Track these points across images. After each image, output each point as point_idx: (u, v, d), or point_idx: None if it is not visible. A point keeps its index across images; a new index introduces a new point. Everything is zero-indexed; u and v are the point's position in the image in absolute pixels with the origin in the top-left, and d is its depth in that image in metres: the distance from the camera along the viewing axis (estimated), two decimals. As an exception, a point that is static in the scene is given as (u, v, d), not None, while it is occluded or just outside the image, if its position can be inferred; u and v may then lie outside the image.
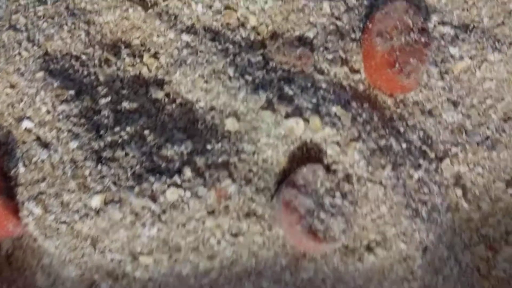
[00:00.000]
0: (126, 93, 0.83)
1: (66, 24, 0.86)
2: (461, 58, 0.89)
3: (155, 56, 0.86)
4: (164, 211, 0.74)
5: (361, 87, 0.84)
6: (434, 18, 0.91)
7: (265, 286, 0.76)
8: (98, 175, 0.76)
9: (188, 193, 0.74)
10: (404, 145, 0.81)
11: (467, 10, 0.93)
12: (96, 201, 0.74)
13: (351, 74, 0.83)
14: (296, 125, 0.76)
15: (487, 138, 0.87)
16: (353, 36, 0.85)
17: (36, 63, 0.84)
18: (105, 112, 0.80)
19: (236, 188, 0.75)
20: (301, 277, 0.76)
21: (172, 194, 0.74)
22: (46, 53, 0.85)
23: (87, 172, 0.76)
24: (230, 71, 0.81)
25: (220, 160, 0.76)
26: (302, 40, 0.84)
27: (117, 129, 0.79)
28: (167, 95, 0.83)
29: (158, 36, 0.86)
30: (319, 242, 0.71)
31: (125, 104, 0.81)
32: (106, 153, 0.77)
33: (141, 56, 0.86)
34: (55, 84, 0.81)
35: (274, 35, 0.85)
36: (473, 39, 0.90)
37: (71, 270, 0.77)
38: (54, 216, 0.75)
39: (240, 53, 0.83)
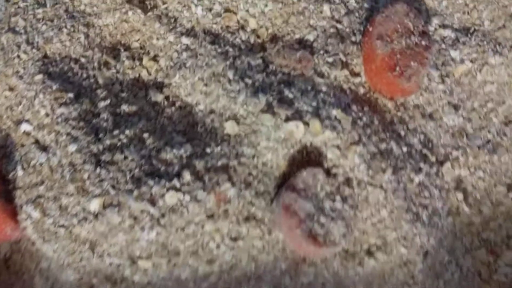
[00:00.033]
0: (125, 96, 0.83)
1: (65, 26, 0.86)
2: (462, 61, 0.89)
3: (155, 59, 0.85)
4: (163, 215, 0.74)
5: (361, 91, 0.83)
6: (435, 21, 0.91)
7: (264, 291, 0.76)
8: (96, 179, 0.75)
9: (187, 197, 0.74)
10: (404, 149, 0.81)
11: (468, 13, 0.93)
12: (94, 205, 0.74)
13: (351, 77, 0.83)
14: (296, 129, 0.76)
15: (488, 141, 0.87)
16: (353, 39, 0.85)
17: (35, 65, 0.83)
18: (104, 115, 0.80)
19: (236, 192, 0.75)
20: (301, 281, 0.76)
21: (171, 198, 0.74)
22: (45, 56, 0.85)
23: (85, 176, 0.76)
24: (230, 74, 0.81)
25: (219, 163, 0.76)
26: (302, 43, 0.84)
27: (116, 132, 0.79)
28: (167, 98, 0.83)
29: (157, 39, 0.86)
30: (319, 246, 0.71)
31: (124, 107, 0.81)
32: (105, 157, 0.77)
33: (140, 59, 0.86)
34: (54, 87, 0.81)
35: (274, 38, 0.85)
36: (474, 42, 0.90)
37: (69, 274, 0.76)
38: (52, 219, 0.75)
39: (240, 56, 0.83)
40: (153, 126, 0.80)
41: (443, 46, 0.89)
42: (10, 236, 0.77)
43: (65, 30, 0.86)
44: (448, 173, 0.84)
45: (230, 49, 0.83)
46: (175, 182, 0.74)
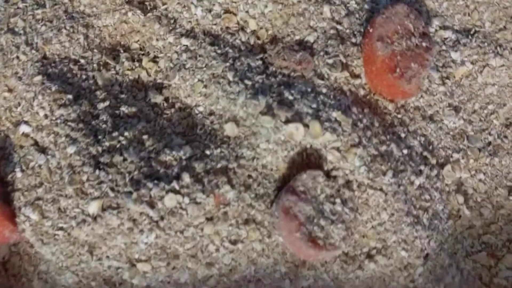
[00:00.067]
0: (124, 97, 0.83)
1: (65, 27, 0.86)
2: (463, 63, 0.89)
3: (154, 60, 0.85)
4: (162, 218, 0.73)
5: (361, 92, 0.83)
6: (436, 23, 0.90)
7: (264, 294, 0.75)
8: (95, 181, 0.75)
9: (186, 199, 0.74)
10: (405, 151, 0.81)
11: (469, 14, 0.92)
12: (93, 207, 0.74)
13: (351, 79, 0.82)
14: (296, 131, 0.75)
15: (489, 144, 0.87)
16: (353, 40, 0.84)
17: (34, 67, 0.83)
18: (104, 117, 0.80)
19: (235, 194, 0.74)
20: (300, 285, 0.76)
21: (170, 200, 0.73)
22: (44, 57, 0.85)
23: (84, 178, 0.75)
24: (230, 76, 0.80)
25: (219, 165, 0.76)
26: (302, 45, 0.83)
27: (115, 134, 0.78)
28: (166, 99, 0.83)
29: (157, 40, 0.86)
30: (319, 250, 0.71)
31: (124, 109, 0.81)
32: (104, 159, 0.76)
33: (140, 60, 0.86)
34: (53, 88, 0.81)
35: (274, 40, 0.84)
36: (475, 44, 0.90)
37: (68, 277, 0.76)
38: (51, 222, 0.75)
39: (239, 58, 0.82)
40: (152, 127, 0.80)
41: (444, 47, 0.89)
42: (9, 239, 0.77)
43: (64, 31, 0.86)
44: (449, 176, 0.84)
45: (230, 51, 0.83)
46: (174, 185, 0.74)
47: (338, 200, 0.73)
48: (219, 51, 0.83)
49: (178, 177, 0.75)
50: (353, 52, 0.83)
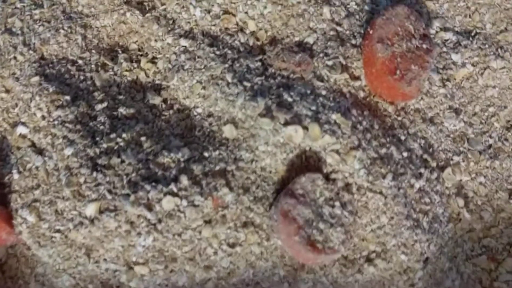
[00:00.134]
0: (122, 98, 0.82)
1: (63, 28, 0.86)
2: (463, 65, 0.88)
3: (153, 61, 0.85)
4: (160, 220, 0.73)
5: (361, 94, 0.82)
6: (436, 24, 0.90)
7: (262, 297, 0.75)
8: (93, 183, 0.75)
9: (184, 202, 0.73)
10: (405, 154, 0.80)
11: (470, 16, 0.92)
12: (90, 210, 0.74)
13: (351, 81, 0.82)
14: (295, 133, 0.75)
15: (490, 146, 0.86)
16: (353, 42, 0.84)
17: (31, 67, 0.83)
18: (101, 118, 0.79)
19: (234, 197, 0.74)
20: (299, 288, 0.76)
21: (168, 203, 0.73)
22: (42, 58, 0.84)
23: (82, 180, 0.75)
24: (228, 77, 0.80)
25: (217, 168, 0.75)
26: (301, 46, 0.83)
27: (113, 135, 0.78)
28: (165, 101, 0.82)
29: (155, 40, 0.86)
30: (318, 253, 0.70)
31: (122, 110, 0.81)
32: (102, 160, 0.76)
33: (138, 61, 0.85)
34: (51, 89, 0.80)
35: (273, 41, 0.84)
36: (476, 45, 0.90)
37: (65, 280, 0.76)
38: (48, 224, 0.75)
39: (238, 59, 0.82)
40: (150, 129, 0.80)
41: (444, 49, 0.89)
42: (6, 241, 0.77)
43: (62, 32, 0.85)
44: (449, 179, 0.84)
45: (229, 52, 0.83)
46: (172, 187, 0.74)
47: (337, 203, 0.73)
48: (218, 52, 0.83)
49: (176, 180, 0.74)
50: (353, 54, 0.83)
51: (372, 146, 0.77)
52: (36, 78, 0.81)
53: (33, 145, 0.78)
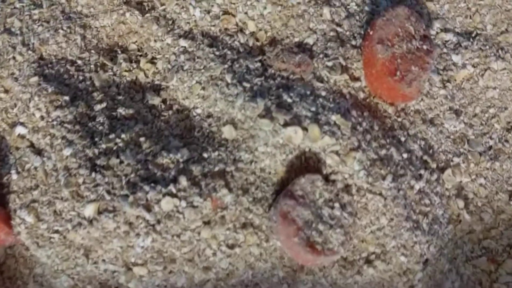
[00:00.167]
0: (122, 99, 0.82)
1: (62, 28, 0.85)
2: (464, 66, 0.88)
3: (152, 61, 0.85)
4: (158, 221, 0.73)
5: (361, 95, 0.82)
6: (437, 25, 0.90)
7: (261, 299, 0.75)
8: (91, 184, 0.74)
9: (183, 203, 0.73)
10: (405, 155, 0.80)
11: (470, 17, 0.92)
12: (89, 210, 0.73)
13: (351, 82, 0.82)
14: (295, 134, 0.75)
15: (490, 148, 0.86)
16: (353, 43, 0.84)
17: (30, 67, 0.83)
18: (100, 119, 0.79)
19: (233, 198, 0.74)
20: (298, 290, 0.76)
21: (167, 204, 0.73)
22: (41, 58, 0.84)
23: (80, 180, 0.75)
24: (228, 78, 0.80)
25: (216, 169, 0.75)
26: (301, 47, 0.83)
27: (112, 136, 0.78)
28: (164, 101, 0.82)
29: (155, 41, 0.85)
30: (317, 255, 0.70)
31: (121, 110, 0.80)
32: (101, 161, 0.76)
33: (137, 61, 0.85)
34: (50, 90, 0.80)
35: (273, 41, 0.84)
36: (476, 46, 0.89)
37: (63, 281, 0.76)
38: (46, 225, 0.75)
39: (238, 60, 0.82)
40: (149, 130, 0.80)
41: (445, 50, 0.88)
42: (4, 241, 0.77)
43: (61, 32, 0.85)
44: (449, 180, 0.83)
45: (229, 52, 0.83)
46: (171, 188, 0.73)
47: (337, 205, 0.73)
48: (217, 53, 0.82)
49: (175, 180, 0.74)
50: (353, 55, 0.83)
51: (372, 147, 0.77)
52: (35, 78, 0.81)
53: (31, 145, 0.78)
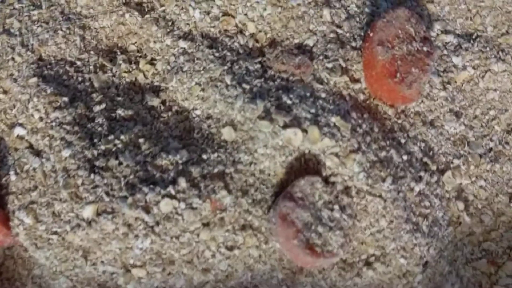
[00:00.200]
0: (121, 100, 0.82)
1: (61, 29, 0.85)
2: (464, 68, 0.88)
3: (152, 62, 0.84)
4: (157, 223, 0.72)
5: (361, 97, 0.82)
6: (437, 27, 0.90)
7: (260, 301, 0.74)
8: (90, 185, 0.74)
9: (182, 205, 0.73)
10: (405, 157, 0.80)
11: (471, 18, 0.92)
12: (88, 212, 0.73)
13: (351, 84, 0.82)
14: (294, 136, 0.74)
15: (490, 150, 0.86)
16: (353, 44, 0.83)
17: (29, 68, 0.82)
18: (99, 120, 0.79)
19: (232, 200, 0.74)
20: (297, 292, 0.75)
21: (166, 206, 0.73)
22: (40, 59, 0.84)
23: (79, 182, 0.75)
24: (228, 79, 0.80)
25: (216, 170, 0.75)
26: (301, 48, 0.83)
27: (111, 137, 0.78)
28: (163, 102, 0.82)
29: (154, 42, 0.85)
30: (316, 257, 0.70)
31: (120, 112, 0.80)
32: (99, 162, 0.75)
33: (137, 62, 0.85)
34: (49, 91, 0.80)
35: (273, 43, 0.84)
36: (477, 48, 0.89)
37: (62, 282, 0.76)
38: (45, 226, 0.74)
39: (238, 61, 0.82)
40: (149, 131, 0.79)
41: (445, 52, 0.88)
42: (2, 242, 0.76)
43: (60, 33, 0.85)
44: (449, 182, 0.83)
45: (228, 54, 0.82)
46: (170, 189, 0.73)
47: (336, 207, 0.72)
48: (217, 54, 0.82)
49: (174, 182, 0.74)
50: (353, 56, 0.83)
51: (371, 149, 0.77)
52: (34, 79, 0.81)
53: (30, 146, 0.78)
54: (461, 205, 0.83)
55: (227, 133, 0.77)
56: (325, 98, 0.79)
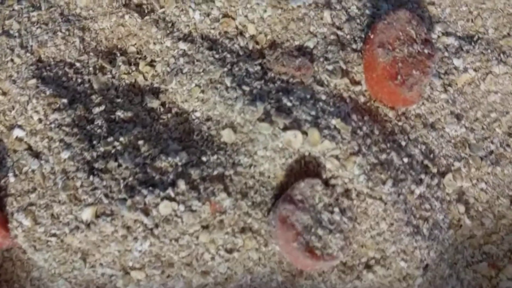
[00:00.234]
0: (120, 101, 0.82)
1: (60, 30, 0.85)
2: (465, 70, 0.88)
3: (151, 64, 0.84)
4: (156, 225, 0.72)
5: (362, 99, 0.82)
6: (438, 29, 0.90)
7: (260, 304, 0.74)
8: (89, 187, 0.74)
9: (181, 207, 0.73)
10: (405, 160, 0.79)
11: (472, 20, 0.92)
12: (87, 214, 0.73)
13: (351, 86, 0.81)
14: (294, 138, 0.74)
15: (491, 152, 0.86)
16: (354, 46, 0.83)
17: (28, 70, 0.82)
18: (99, 122, 0.79)
19: (232, 202, 0.73)
20: (297, 295, 0.75)
21: (165, 208, 0.72)
22: (39, 60, 0.84)
23: (78, 184, 0.74)
24: (227, 81, 0.79)
25: (215, 172, 0.75)
26: (301, 50, 0.82)
27: (110, 139, 0.77)
28: (163, 104, 0.82)
29: (154, 43, 0.85)
30: (316, 260, 0.70)
31: (119, 113, 0.80)
32: (99, 164, 0.75)
33: (136, 64, 0.85)
34: (48, 92, 0.80)
35: (273, 45, 0.83)
36: (478, 50, 0.89)
37: (60, 284, 0.75)
38: (44, 228, 0.74)
39: (238, 63, 0.81)
40: (148, 133, 0.79)
41: (446, 54, 0.88)
42: (1, 244, 0.76)
43: (60, 34, 0.85)
44: (450, 185, 0.83)
45: (228, 55, 0.82)
46: (170, 192, 0.73)
47: (336, 209, 0.72)
48: (217, 56, 0.82)
49: (173, 184, 0.74)
50: (353, 58, 0.82)
51: (372, 151, 0.77)
52: (33, 81, 0.81)
53: (29, 148, 0.78)
54: (461, 208, 0.83)
55: (226, 135, 0.77)
56: (326, 100, 0.78)
